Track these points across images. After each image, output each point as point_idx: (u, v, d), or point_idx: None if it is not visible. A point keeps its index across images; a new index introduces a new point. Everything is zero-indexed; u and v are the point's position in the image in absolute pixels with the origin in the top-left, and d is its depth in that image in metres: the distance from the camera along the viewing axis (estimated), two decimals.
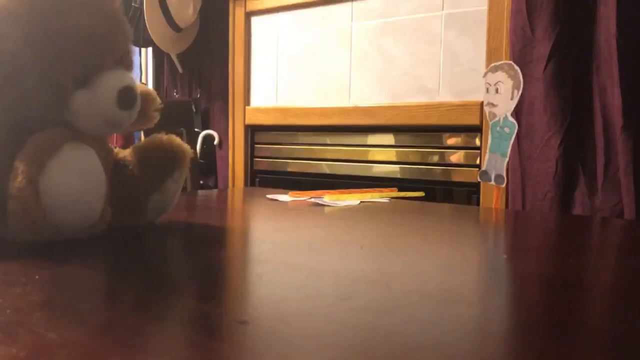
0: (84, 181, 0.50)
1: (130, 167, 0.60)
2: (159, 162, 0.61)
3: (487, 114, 0.91)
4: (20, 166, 0.47)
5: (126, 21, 0.57)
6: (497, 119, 0.89)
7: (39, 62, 0.50)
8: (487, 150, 0.92)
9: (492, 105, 0.90)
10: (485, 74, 0.91)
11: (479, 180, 0.94)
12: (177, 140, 0.63)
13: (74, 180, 0.49)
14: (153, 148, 0.61)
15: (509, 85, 0.87)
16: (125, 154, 0.61)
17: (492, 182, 0.91)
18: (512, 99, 0.87)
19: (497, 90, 0.89)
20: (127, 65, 0.56)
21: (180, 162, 0.62)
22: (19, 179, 0.47)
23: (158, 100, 0.65)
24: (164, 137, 0.62)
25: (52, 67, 0.50)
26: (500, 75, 0.88)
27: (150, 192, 0.60)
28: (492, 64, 0.91)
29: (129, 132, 2.09)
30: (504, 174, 0.89)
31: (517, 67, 0.87)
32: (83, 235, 0.52)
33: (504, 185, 0.90)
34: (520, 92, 0.86)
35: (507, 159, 0.88)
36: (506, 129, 0.88)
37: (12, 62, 0.49)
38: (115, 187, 0.57)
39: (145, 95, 0.62)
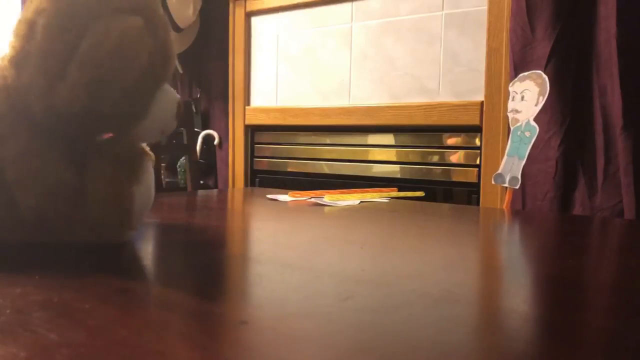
0: (152, 189, 0.55)
1: None
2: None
3: (509, 120, 0.93)
4: (114, 172, 0.49)
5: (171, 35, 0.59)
6: (519, 124, 0.91)
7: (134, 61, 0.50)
8: (505, 154, 0.93)
9: (516, 111, 0.91)
10: (513, 83, 0.93)
11: (493, 182, 0.95)
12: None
13: (150, 188, 0.54)
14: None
15: (534, 92, 0.89)
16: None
17: (506, 185, 0.93)
18: (536, 105, 0.89)
19: (522, 98, 0.90)
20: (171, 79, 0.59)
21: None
22: (115, 186, 0.49)
23: None
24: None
25: (138, 80, 0.50)
26: (528, 84, 0.91)
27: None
28: (520, 74, 0.94)
29: None
30: (519, 177, 0.91)
31: (545, 76, 0.89)
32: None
33: (517, 187, 0.92)
34: (545, 98, 0.88)
35: (524, 161, 0.90)
36: (527, 133, 0.90)
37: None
38: None
39: None
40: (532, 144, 0.89)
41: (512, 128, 0.93)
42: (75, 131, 0.50)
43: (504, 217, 0.88)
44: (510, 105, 0.93)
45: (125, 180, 0.49)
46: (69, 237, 0.50)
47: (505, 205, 0.97)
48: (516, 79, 0.94)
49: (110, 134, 0.53)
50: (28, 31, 0.47)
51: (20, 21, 0.48)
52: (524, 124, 0.91)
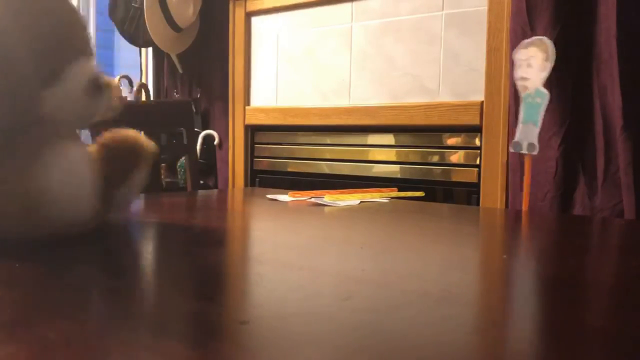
0: (80, 178, 0.52)
1: (98, 162, 0.60)
2: (125, 155, 0.62)
3: (518, 87, 0.93)
4: (18, 166, 0.48)
5: (76, 9, 0.58)
6: (529, 91, 0.91)
7: (7, 62, 0.50)
8: (520, 122, 0.94)
9: (524, 79, 0.92)
10: (517, 50, 0.93)
11: (511, 150, 0.96)
12: (140, 135, 0.65)
13: (71, 177, 0.51)
14: (119, 143, 0.63)
15: (540, 59, 0.89)
16: (92, 149, 0.62)
17: (524, 151, 0.93)
18: (543, 71, 0.89)
19: (528, 65, 0.91)
20: (89, 51, 0.57)
21: (144, 154, 0.64)
22: (20, 179, 0.47)
23: (118, 87, 0.67)
24: (128, 132, 0.64)
25: (20, 66, 0.50)
26: (532, 51, 0.91)
27: (118, 185, 0.62)
28: (523, 41, 0.94)
29: None
30: (536, 142, 0.92)
31: (548, 40, 0.89)
32: (75, 231, 0.52)
33: (536, 152, 0.92)
34: (552, 63, 0.89)
35: (538, 128, 0.91)
36: (538, 99, 0.90)
37: None
38: None
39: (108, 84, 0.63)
40: (544, 109, 0.90)
41: (522, 96, 0.93)
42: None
43: (503, 217, 0.88)
44: (517, 73, 0.93)
45: (26, 170, 0.48)
46: (30, 235, 0.49)
47: (525, 178, 0.98)
48: (519, 47, 0.94)
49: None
50: None
51: None
52: (533, 90, 0.91)
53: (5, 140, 0.50)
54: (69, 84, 0.52)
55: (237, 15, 1.96)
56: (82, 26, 0.57)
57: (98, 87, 0.54)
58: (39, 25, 0.52)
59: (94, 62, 0.57)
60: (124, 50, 2.30)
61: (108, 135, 0.63)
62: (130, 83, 2.25)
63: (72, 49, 0.54)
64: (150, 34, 1.97)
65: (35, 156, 0.49)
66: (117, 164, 0.61)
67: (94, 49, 0.58)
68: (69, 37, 0.54)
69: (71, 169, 0.51)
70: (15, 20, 0.51)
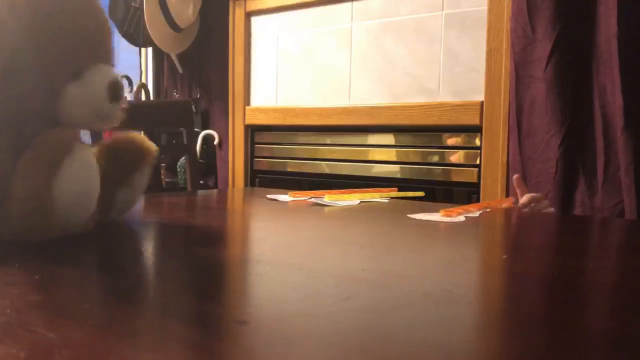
0: (90, 180, 0.52)
1: (101, 164, 0.61)
2: (127, 157, 0.63)
3: None
4: (32, 167, 0.48)
5: (108, 19, 0.58)
6: None
7: (37, 58, 0.51)
8: None
9: None
10: None
11: None
12: (144, 137, 0.66)
13: (83, 180, 0.51)
14: (122, 145, 0.63)
15: None
16: (94, 151, 0.62)
17: None
18: None
19: None
20: (111, 61, 0.58)
21: (147, 157, 0.64)
22: (33, 180, 0.48)
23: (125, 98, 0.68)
24: (131, 134, 0.65)
25: (49, 63, 0.51)
26: None
27: (120, 187, 0.62)
28: None
29: (129, 130, 2.08)
30: None
31: None
32: (77, 231, 0.53)
33: None
34: None
35: None
36: None
37: (10, 57, 0.50)
38: None
39: None
40: None
41: None
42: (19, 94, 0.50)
43: (503, 217, 0.88)
44: None
45: (43, 173, 0.48)
46: (41, 236, 0.49)
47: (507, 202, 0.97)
48: None
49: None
50: None
51: None
52: None
53: (23, 141, 0.50)
54: (89, 85, 0.53)
55: (237, 15, 1.96)
56: (109, 35, 0.58)
57: (118, 91, 0.54)
58: (74, 24, 0.53)
59: (115, 69, 0.57)
60: (124, 50, 2.30)
61: (111, 137, 0.63)
62: (130, 83, 2.25)
63: (95, 52, 0.55)
64: (150, 34, 1.97)
65: (54, 160, 0.49)
66: (119, 165, 0.62)
67: (115, 57, 0.59)
68: (94, 40, 0.55)
69: (88, 174, 0.52)
70: (36, 18, 0.51)
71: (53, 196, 0.48)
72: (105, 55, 0.56)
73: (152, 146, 0.65)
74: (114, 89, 0.54)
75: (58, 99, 0.52)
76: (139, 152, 0.63)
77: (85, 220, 0.53)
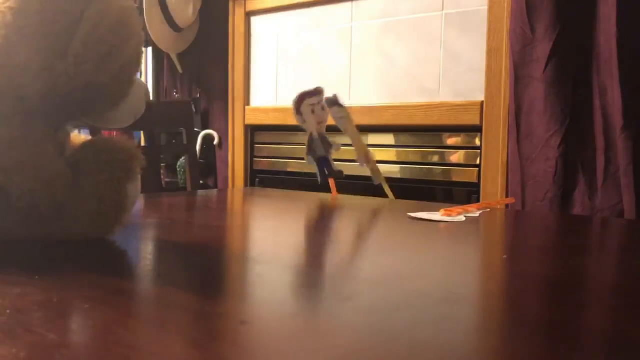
0: (140, 186, 0.56)
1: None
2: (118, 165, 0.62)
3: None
4: (111, 170, 0.51)
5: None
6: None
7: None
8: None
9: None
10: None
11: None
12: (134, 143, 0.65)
13: (139, 187, 0.56)
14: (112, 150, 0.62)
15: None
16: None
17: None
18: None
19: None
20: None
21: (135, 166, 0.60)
22: (114, 183, 0.51)
23: None
24: (122, 140, 0.62)
25: (132, 56, 0.53)
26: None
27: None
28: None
29: (130, 133, 2.09)
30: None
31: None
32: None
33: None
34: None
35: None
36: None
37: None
38: None
39: None
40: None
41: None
42: (69, 112, 0.51)
43: (503, 217, 0.88)
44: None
45: (122, 178, 0.52)
46: (58, 230, 0.50)
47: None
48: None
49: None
50: (12, 17, 0.48)
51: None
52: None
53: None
54: (135, 95, 0.56)
55: (237, 15, 1.96)
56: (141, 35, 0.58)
57: (149, 94, 0.59)
58: (135, 34, 0.54)
59: None
60: None
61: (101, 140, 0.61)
62: None
63: (139, 61, 0.56)
64: (150, 34, 1.97)
65: (129, 165, 0.53)
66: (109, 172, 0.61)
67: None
68: (138, 51, 0.57)
69: (139, 184, 0.56)
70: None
71: (126, 201, 0.52)
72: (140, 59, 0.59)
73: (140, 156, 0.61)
74: (147, 94, 0.58)
75: (114, 110, 0.54)
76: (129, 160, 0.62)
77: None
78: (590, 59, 1.23)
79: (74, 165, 0.51)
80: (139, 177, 0.55)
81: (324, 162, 0.94)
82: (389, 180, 1.63)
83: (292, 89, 1.84)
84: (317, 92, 0.93)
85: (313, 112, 0.95)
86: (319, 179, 0.93)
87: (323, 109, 0.95)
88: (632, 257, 0.56)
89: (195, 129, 2.03)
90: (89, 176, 0.50)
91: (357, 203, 1.03)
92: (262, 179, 1.95)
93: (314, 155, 0.94)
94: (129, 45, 0.50)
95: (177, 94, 2.22)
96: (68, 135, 0.58)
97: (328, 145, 0.94)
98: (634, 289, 0.42)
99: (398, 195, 1.09)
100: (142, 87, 0.57)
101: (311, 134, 0.94)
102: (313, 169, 0.97)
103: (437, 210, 0.76)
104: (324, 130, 0.94)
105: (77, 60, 0.48)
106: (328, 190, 1.04)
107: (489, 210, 0.85)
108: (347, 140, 1.01)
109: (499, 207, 0.95)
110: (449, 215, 0.74)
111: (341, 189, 1.05)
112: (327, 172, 0.93)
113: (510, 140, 1.35)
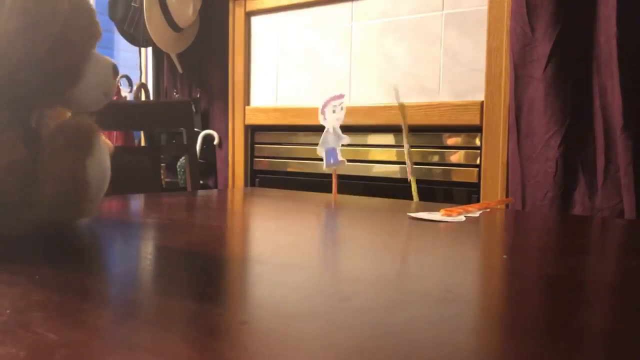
0: (108, 165, 0.56)
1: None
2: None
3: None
4: (65, 149, 0.50)
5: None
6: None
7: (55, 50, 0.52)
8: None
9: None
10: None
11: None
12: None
13: (105, 163, 0.54)
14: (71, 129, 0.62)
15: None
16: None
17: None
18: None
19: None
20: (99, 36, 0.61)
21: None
22: (69, 161, 0.50)
23: None
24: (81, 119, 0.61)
25: (65, 27, 0.52)
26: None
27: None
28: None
29: (129, 130, 2.09)
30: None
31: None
32: (93, 217, 0.56)
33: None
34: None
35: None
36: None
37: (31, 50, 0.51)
38: None
39: None
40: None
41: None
42: (28, 98, 0.51)
43: (503, 217, 0.88)
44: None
45: (79, 153, 0.51)
46: (28, 216, 0.50)
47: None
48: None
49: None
50: None
51: None
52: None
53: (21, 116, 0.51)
54: (99, 66, 0.56)
55: (237, 15, 1.96)
56: (92, 11, 0.59)
57: (117, 68, 0.59)
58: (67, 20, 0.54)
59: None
60: (124, 50, 2.30)
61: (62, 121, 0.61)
62: (130, 83, 2.25)
63: (92, 35, 0.56)
64: (150, 34, 1.97)
65: (87, 143, 0.52)
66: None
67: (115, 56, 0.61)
68: (97, 27, 0.57)
69: (107, 159, 0.55)
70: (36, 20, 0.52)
71: (87, 176, 0.51)
72: (97, 31, 0.59)
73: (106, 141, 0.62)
74: (115, 67, 0.59)
75: (73, 87, 0.54)
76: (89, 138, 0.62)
77: (100, 205, 0.54)
78: (590, 59, 1.23)
79: (42, 149, 0.51)
80: (102, 152, 0.54)
81: (331, 152, 1.12)
82: (389, 180, 1.63)
83: (292, 89, 1.84)
84: (340, 96, 1.14)
85: (334, 111, 1.14)
86: (324, 165, 1.10)
87: (342, 109, 1.13)
88: (632, 257, 0.56)
89: (195, 129, 2.03)
90: (49, 157, 0.50)
91: (357, 203, 1.03)
92: (262, 179, 1.95)
93: (326, 145, 1.13)
94: (54, 14, 0.50)
95: (177, 94, 2.22)
96: (45, 120, 0.58)
97: (339, 139, 1.12)
98: (634, 289, 0.42)
99: (398, 196, 1.09)
100: (103, 63, 0.57)
101: (327, 129, 1.13)
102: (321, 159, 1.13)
103: (437, 210, 0.76)
104: (338, 126, 1.12)
105: (3, 33, 0.48)
106: (328, 190, 1.04)
107: (489, 210, 0.85)
108: (352, 138, 1.13)
109: (499, 207, 0.95)
110: (449, 215, 0.74)
111: (341, 189, 1.05)
112: (332, 161, 1.11)
113: (510, 140, 1.35)
